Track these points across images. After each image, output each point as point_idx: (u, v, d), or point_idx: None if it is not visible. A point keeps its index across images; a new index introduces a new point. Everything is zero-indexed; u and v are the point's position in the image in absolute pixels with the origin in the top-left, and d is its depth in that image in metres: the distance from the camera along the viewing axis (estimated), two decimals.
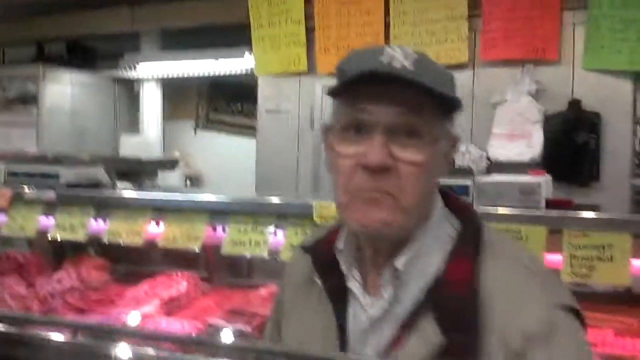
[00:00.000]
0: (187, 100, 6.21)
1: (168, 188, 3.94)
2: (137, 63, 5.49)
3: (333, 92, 1.08)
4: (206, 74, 5.36)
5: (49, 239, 2.86)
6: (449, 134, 1.11)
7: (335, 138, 1.08)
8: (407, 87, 1.00)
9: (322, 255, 1.18)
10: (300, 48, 4.25)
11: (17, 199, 2.91)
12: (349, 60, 1.08)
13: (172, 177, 5.25)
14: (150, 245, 2.68)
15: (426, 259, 1.09)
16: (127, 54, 5.63)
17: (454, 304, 1.02)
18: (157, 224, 2.65)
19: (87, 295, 2.66)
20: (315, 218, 2.30)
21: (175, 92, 6.18)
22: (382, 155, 1.01)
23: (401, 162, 1.02)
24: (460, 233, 1.11)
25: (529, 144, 3.51)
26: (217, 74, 5.20)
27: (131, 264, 3.16)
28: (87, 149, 5.55)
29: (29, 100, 5.47)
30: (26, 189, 2.91)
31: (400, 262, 1.08)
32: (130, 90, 6.16)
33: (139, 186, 3.51)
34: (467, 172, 2.45)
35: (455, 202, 1.17)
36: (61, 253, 3.22)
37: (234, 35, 4.87)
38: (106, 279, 2.85)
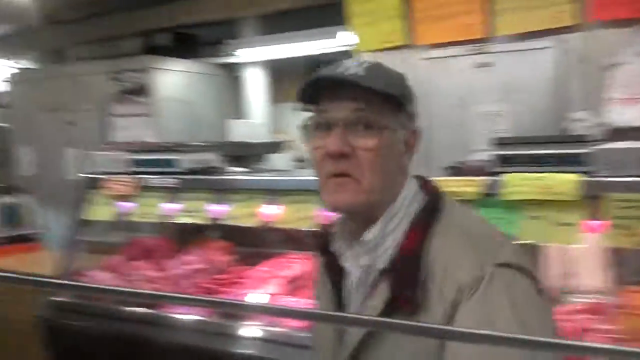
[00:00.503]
0: (291, 82, 6.30)
1: (279, 171, 4.04)
2: (238, 49, 5.62)
3: (300, 99, 1.33)
4: (307, 55, 5.41)
5: (173, 223, 3.02)
6: (405, 125, 1.32)
7: (309, 135, 1.32)
8: (356, 88, 1.24)
9: (323, 240, 1.43)
10: (399, 20, 4.19)
11: (142, 186, 3.07)
12: (314, 74, 1.32)
13: (279, 160, 5.36)
14: (267, 226, 2.78)
15: (395, 234, 1.30)
16: (227, 41, 5.77)
17: (402, 265, 1.25)
18: (269, 205, 2.73)
19: (213, 277, 2.80)
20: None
21: (279, 75, 6.28)
22: (339, 143, 1.25)
23: (358, 149, 1.26)
24: (421, 209, 1.32)
25: None
26: (317, 54, 5.23)
27: (249, 246, 3.28)
28: (199, 136, 5.78)
29: (142, 91, 5.74)
30: (149, 177, 3.07)
31: (368, 235, 1.31)
32: (234, 75, 6.32)
33: (249, 169, 3.62)
34: (584, 139, 2.36)
35: (426, 185, 1.38)
36: (185, 237, 3.39)
37: (333, 14, 4.89)
38: (230, 260, 2.98)
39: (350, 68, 1.28)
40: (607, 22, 3.53)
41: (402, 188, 1.34)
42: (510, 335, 0.62)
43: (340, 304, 1.37)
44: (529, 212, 2.18)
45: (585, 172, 2.16)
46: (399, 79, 1.34)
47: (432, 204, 1.32)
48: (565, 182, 2.13)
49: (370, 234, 1.31)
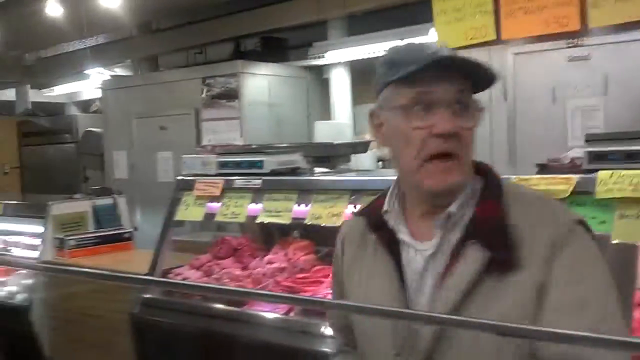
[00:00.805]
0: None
1: (362, 170, 4.03)
2: (326, 51, 5.66)
3: (396, 80, 1.31)
4: None
5: (258, 223, 3.07)
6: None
7: (403, 116, 1.32)
8: (457, 70, 1.29)
9: (373, 217, 1.45)
10: (486, 16, 4.09)
11: (228, 188, 3.14)
12: (399, 53, 1.35)
13: (364, 159, 5.35)
14: None
15: (467, 205, 1.35)
16: (315, 43, 5.83)
17: (491, 231, 1.30)
18: (355, 206, 2.72)
19: (295, 275, 2.82)
20: None
21: (363, 75, 6.28)
22: (452, 123, 1.28)
23: (461, 129, 1.30)
24: (485, 185, 1.38)
25: None
26: None
27: (331, 245, 3.28)
28: (285, 137, 5.86)
29: (232, 95, 5.89)
30: (235, 178, 3.14)
31: (453, 207, 1.34)
32: (320, 77, 6.38)
33: (334, 170, 3.63)
34: None
35: (479, 164, 1.43)
36: (269, 236, 3.44)
37: (417, 12, 4.83)
38: (311, 259, 3.00)
39: (440, 50, 1.32)
40: None
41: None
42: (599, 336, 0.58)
43: (401, 279, 1.38)
44: (623, 210, 2.06)
45: None
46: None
47: (494, 178, 1.40)
48: None
49: (454, 206, 1.34)
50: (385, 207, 1.42)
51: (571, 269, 1.25)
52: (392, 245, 1.40)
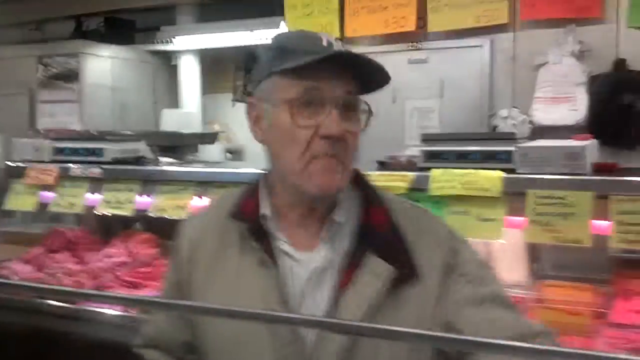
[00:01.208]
0: (225, 72, 6.22)
1: (209, 162, 3.98)
2: (174, 36, 5.51)
3: (284, 70, 1.20)
4: (243, 45, 5.35)
5: (97, 214, 2.93)
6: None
7: (287, 112, 1.20)
8: (350, 68, 1.20)
9: (250, 222, 1.30)
10: (332, 14, 4.19)
11: (64, 176, 2.97)
12: (290, 39, 1.25)
13: (212, 151, 5.28)
14: None
15: (351, 211, 1.30)
16: (164, 27, 5.65)
17: (386, 240, 1.25)
18: (200, 197, 2.68)
19: (136, 270, 2.73)
20: None
21: (213, 64, 6.19)
22: (340, 126, 1.19)
23: (347, 133, 1.21)
24: (363, 189, 1.33)
25: (573, 107, 3.43)
26: (253, 44, 5.18)
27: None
28: (129, 124, 5.63)
29: (71, 77, 5.56)
30: (72, 166, 2.97)
31: (338, 215, 1.28)
32: (168, 64, 6.20)
33: (181, 160, 3.55)
34: (509, 137, 2.40)
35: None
36: (109, 229, 3.30)
37: (269, 4, 4.84)
38: (154, 253, 2.91)
39: (332, 43, 1.22)
40: (538, 21, 3.62)
41: None
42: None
43: (282, 294, 1.23)
44: (454, 207, 2.21)
45: (509, 169, 2.20)
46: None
47: (371, 186, 1.35)
48: (489, 178, 2.17)
49: (339, 215, 1.28)
50: (262, 211, 1.29)
51: (470, 273, 1.26)
52: (267, 255, 1.26)
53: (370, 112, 1.26)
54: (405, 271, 1.22)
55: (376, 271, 1.22)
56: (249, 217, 1.30)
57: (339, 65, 1.19)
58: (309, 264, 1.26)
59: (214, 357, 1.30)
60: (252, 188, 1.36)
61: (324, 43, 1.21)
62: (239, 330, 1.25)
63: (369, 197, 1.32)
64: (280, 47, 1.23)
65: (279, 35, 1.29)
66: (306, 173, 1.21)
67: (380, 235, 1.26)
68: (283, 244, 1.28)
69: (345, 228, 1.28)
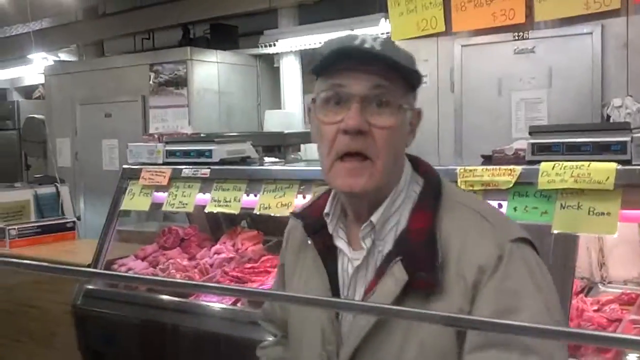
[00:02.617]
0: None
1: (311, 160, 4.03)
2: (277, 39, 5.62)
3: (313, 72, 1.27)
4: None
5: (206, 213, 3.03)
6: (413, 106, 1.28)
7: (318, 110, 1.25)
8: (376, 63, 1.20)
9: (311, 219, 1.37)
10: (436, 8, 4.14)
11: (176, 177, 3.09)
12: (328, 44, 1.26)
13: (314, 149, 5.34)
14: None
15: (398, 215, 1.28)
16: (266, 31, 5.78)
17: (417, 247, 1.21)
18: (304, 196, 2.71)
19: (243, 266, 2.80)
20: (459, 183, 2.26)
21: None
22: (358, 119, 1.19)
23: (375, 128, 1.20)
24: (422, 190, 1.30)
25: None
26: None
27: (281, 235, 3.27)
28: (235, 126, 5.81)
29: (180, 82, 5.80)
30: (183, 167, 3.09)
31: (375, 217, 1.26)
32: (271, 66, 6.34)
33: (284, 159, 3.61)
34: (623, 127, 2.27)
35: (421, 165, 1.36)
36: (217, 226, 3.41)
37: (369, 2, 4.84)
38: (260, 249, 2.98)
39: (365, 41, 1.22)
40: None
41: (403, 169, 1.31)
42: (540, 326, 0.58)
43: (335, 289, 1.31)
44: (564, 201, 2.12)
45: (624, 161, 2.08)
46: (412, 57, 1.28)
47: (433, 185, 1.31)
48: (602, 170, 2.06)
49: (376, 216, 1.26)
50: (326, 209, 1.33)
51: (496, 301, 1.14)
52: (329, 251, 1.33)
53: (402, 106, 1.23)
54: (422, 279, 1.17)
55: (395, 279, 1.20)
56: (309, 215, 1.38)
57: (363, 61, 1.20)
58: (356, 262, 1.29)
59: (290, 338, 1.45)
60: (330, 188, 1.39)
61: (357, 42, 1.21)
62: (301, 319, 1.38)
63: (422, 197, 1.29)
64: (319, 51, 1.26)
65: (326, 41, 1.32)
66: (332, 173, 1.24)
67: (413, 243, 1.22)
68: (340, 242, 1.32)
69: (392, 231, 1.27)
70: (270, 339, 1.64)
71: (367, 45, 1.20)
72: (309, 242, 1.35)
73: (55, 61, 7.64)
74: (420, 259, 1.20)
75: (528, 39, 3.82)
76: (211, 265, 2.84)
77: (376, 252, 1.27)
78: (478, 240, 1.20)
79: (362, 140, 1.20)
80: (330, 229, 1.32)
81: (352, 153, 1.21)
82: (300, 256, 1.41)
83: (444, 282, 1.17)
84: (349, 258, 1.30)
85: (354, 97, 1.20)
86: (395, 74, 1.21)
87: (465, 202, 1.30)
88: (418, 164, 1.35)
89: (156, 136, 3.41)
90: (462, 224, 1.23)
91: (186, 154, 3.17)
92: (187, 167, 3.07)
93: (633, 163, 2.06)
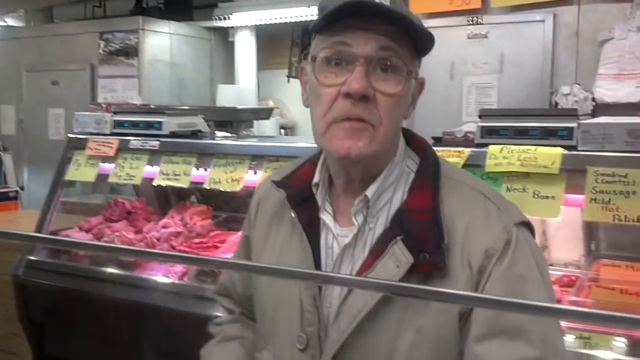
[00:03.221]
0: (281, 48, 6.23)
1: (264, 137, 4.01)
2: (232, 13, 5.54)
3: (316, 27, 1.15)
4: (298, 21, 5.34)
5: (154, 186, 2.99)
6: (417, 74, 1.19)
7: (317, 70, 1.14)
8: (386, 22, 1.09)
9: (295, 190, 1.26)
10: None
11: (123, 149, 3.03)
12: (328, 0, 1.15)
13: (267, 126, 5.32)
14: (249, 192, 2.75)
15: (393, 191, 1.20)
16: (221, 4, 5.69)
17: (420, 227, 1.13)
18: (255, 172, 2.70)
19: (191, 240, 2.78)
20: None
21: (269, 40, 6.21)
22: (363, 83, 1.08)
23: (379, 94, 1.10)
24: (419, 166, 1.22)
25: (638, 84, 3.30)
26: (308, 19, 5.17)
27: (231, 211, 3.26)
28: (186, 99, 5.72)
29: (131, 52, 5.66)
30: (131, 139, 3.03)
31: (370, 191, 1.18)
32: (225, 40, 6.25)
33: (236, 135, 3.58)
34: (571, 113, 2.32)
35: (415, 139, 1.27)
36: (166, 200, 3.36)
37: None
38: (208, 224, 2.95)
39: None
40: None
41: (398, 144, 1.22)
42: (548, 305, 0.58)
43: (318, 267, 1.20)
44: (511, 184, 2.16)
45: (570, 147, 2.13)
46: (419, 19, 1.16)
47: (431, 161, 1.22)
48: (548, 155, 2.11)
49: (372, 189, 1.18)
50: (315, 178, 1.24)
51: (504, 287, 1.09)
52: (312, 225, 1.23)
53: (410, 73, 1.13)
54: (430, 262, 1.10)
55: (399, 261, 1.11)
56: (292, 185, 1.27)
57: (371, 19, 1.09)
58: (343, 240, 1.20)
59: (259, 316, 1.34)
60: (318, 154, 1.30)
61: None
62: (274, 296, 1.27)
63: (420, 174, 1.20)
64: (321, 6, 1.15)
65: None
66: (328, 135, 1.14)
67: (415, 222, 1.14)
68: (326, 215, 1.23)
69: (385, 207, 1.19)
70: (222, 315, 1.53)
71: (378, 1, 1.09)
72: (293, 214, 1.24)
73: (1, 26, 7.36)
74: (423, 239, 1.11)
75: (482, 24, 3.87)
76: (158, 239, 2.80)
77: (367, 229, 1.19)
78: (484, 223, 1.13)
79: (364, 106, 1.10)
80: (319, 200, 1.23)
81: (352, 119, 1.11)
82: (273, 229, 1.31)
83: (449, 266, 1.10)
84: (334, 234, 1.21)
85: (360, 58, 1.09)
86: (405, 36, 1.11)
87: (466, 181, 1.22)
88: (411, 138, 1.27)
89: (104, 106, 3.33)
90: (466, 204, 1.16)
91: (135, 125, 3.10)
92: (136, 138, 3.01)
93: (579, 149, 2.11)
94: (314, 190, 1.24)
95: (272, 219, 1.32)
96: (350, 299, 1.14)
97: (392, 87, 1.11)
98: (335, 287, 1.18)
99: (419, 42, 1.14)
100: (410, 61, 1.14)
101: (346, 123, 1.11)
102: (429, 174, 1.19)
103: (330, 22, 1.11)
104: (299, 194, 1.26)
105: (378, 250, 1.15)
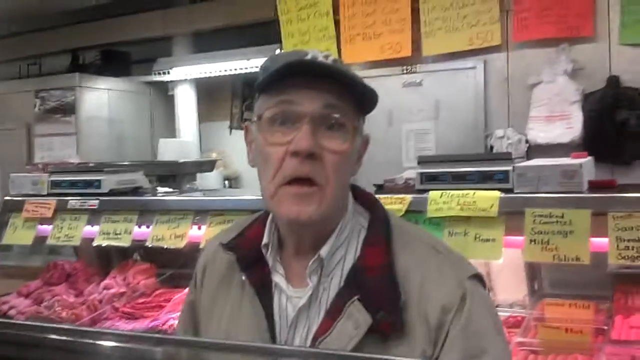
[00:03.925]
0: (221, 100, 6.25)
1: (208, 190, 3.97)
2: (171, 67, 5.55)
3: (260, 86, 1.14)
4: (239, 73, 5.39)
5: (95, 246, 2.91)
6: (362, 132, 1.19)
7: (263, 130, 1.13)
8: (330, 81, 1.10)
9: (245, 252, 1.23)
10: (329, 41, 4.22)
11: (62, 209, 2.96)
12: (274, 59, 1.16)
13: (210, 178, 5.28)
14: (194, 248, 2.71)
15: (345, 248, 1.17)
16: (160, 58, 5.70)
17: (376, 285, 1.11)
18: (199, 227, 2.67)
19: (135, 301, 2.70)
20: None
21: (209, 93, 6.23)
22: (310, 141, 1.08)
23: (326, 152, 1.10)
24: (370, 222, 1.20)
25: (569, 125, 3.43)
26: (249, 71, 5.22)
27: (176, 268, 3.19)
28: (127, 155, 5.65)
29: (68, 109, 5.58)
30: (70, 199, 2.96)
31: (324, 251, 1.15)
32: (165, 94, 6.23)
33: (179, 189, 3.55)
34: (506, 157, 2.40)
35: (363, 195, 1.26)
36: (107, 260, 3.28)
37: (264, 33, 4.88)
38: (152, 283, 2.89)
39: (317, 56, 1.12)
40: (530, 42, 3.64)
41: (347, 201, 1.21)
42: None
43: (271, 330, 1.17)
44: (452, 228, 2.20)
45: (507, 189, 2.19)
46: (361, 79, 1.17)
47: (381, 217, 1.20)
48: (486, 198, 2.16)
49: (325, 249, 1.15)
50: (265, 239, 1.21)
51: (464, 344, 1.07)
52: (264, 287, 1.19)
53: (355, 130, 1.14)
54: (385, 320, 1.08)
55: (358, 322, 1.09)
56: (242, 246, 1.24)
57: (316, 78, 1.10)
58: (298, 301, 1.16)
59: None
60: (266, 213, 1.26)
61: (308, 57, 1.12)
62: None
63: (371, 230, 1.18)
64: (264, 66, 1.16)
65: (270, 55, 1.22)
66: (276, 199, 1.12)
67: (371, 280, 1.12)
68: (279, 277, 1.19)
69: (339, 265, 1.16)
70: None
71: (321, 60, 1.11)
72: (243, 278, 1.20)
73: None
74: (380, 298, 1.09)
75: (416, 72, 3.98)
76: (100, 302, 2.72)
77: (321, 289, 1.16)
78: (438, 278, 1.12)
79: (312, 164, 1.09)
80: (269, 262, 1.20)
81: (301, 178, 1.09)
82: (221, 293, 1.26)
83: (406, 323, 1.08)
84: (288, 296, 1.18)
85: (306, 116, 1.09)
86: (348, 94, 1.12)
87: (417, 235, 1.22)
88: (357, 194, 1.25)
89: (40, 166, 3.26)
90: (419, 260, 1.15)
91: (73, 184, 3.05)
92: (74, 198, 2.95)
93: (515, 191, 2.18)
94: (264, 252, 1.21)
95: (220, 282, 1.27)
96: None
97: (339, 145, 1.11)
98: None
99: (363, 99, 1.14)
100: (355, 118, 1.14)
101: (294, 188, 1.10)
102: (381, 229, 1.18)
103: (274, 81, 1.11)
104: (248, 256, 1.22)
105: (335, 311, 1.12)
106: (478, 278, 1.16)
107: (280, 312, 1.18)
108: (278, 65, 1.09)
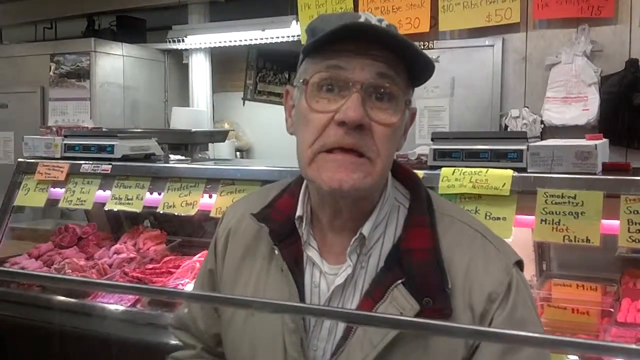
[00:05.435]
0: (236, 71, 6.23)
1: (219, 160, 3.98)
2: (186, 35, 5.52)
3: (309, 47, 1.06)
4: (254, 44, 5.35)
5: (106, 211, 2.93)
6: (411, 105, 1.12)
7: (307, 95, 1.06)
8: (384, 48, 1.02)
9: (277, 224, 1.17)
10: (349, 8, 4.18)
11: (74, 173, 2.97)
12: (325, 20, 1.08)
13: (222, 150, 5.29)
14: (204, 216, 2.72)
15: (384, 227, 1.12)
16: (175, 26, 5.67)
17: (421, 270, 1.05)
18: (210, 195, 2.68)
19: (144, 266, 2.73)
20: None
21: (224, 63, 6.20)
22: (360, 111, 1.00)
23: (375, 123, 1.03)
24: (412, 202, 1.14)
25: (585, 107, 3.40)
26: (264, 43, 5.19)
27: (185, 235, 3.22)
28: (140, 122, 5.65)
29: (83, 74, 5.58)
30: (83, 162, 2.98)
31: (366, 229, 1.09)
32: (179, 62, 6.21)
33: (191, 158, 3.56)
34: (520, 136, 2.38)
35: (403, 171, 1.19)
36: (118, 225, 3.30)
37: (280, 3, 4.84)
38: (162, 249, 2.91)
39: (371, 18, 1.05)
40: (550, 21, 3.59)
41: (388, 174, 1.14)
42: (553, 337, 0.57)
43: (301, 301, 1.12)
44: (463, 205, 2.19)
45: (520, 169, 2.18)
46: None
47: (422, 195, 1.14)
48: (499, 177, 2.15)
49: (367, 227, 1.09)
50: (299, 211, 1.16)
51: (512, 324, 1.05)
52: (296, 262, 1.14)
53: (407, 103, 1.07)
54: (431, 307, 1.03)
55: (403, 307, 1.04)
56: (279, 219, 1.17)
57: (368, 44, 1.01)
58: (334, 279, 1.11)
59: (231, 358, 1.24)
60: (296, 184, 1.21)
61: (361, 19, 1.03)
62: (252, 336, 1.17)
63: (414, 212, 1.12)
64: (312, 27, 1.09)
65: (319, 16, 1.14)
66: (315, 165, 1.05)
67: (415, 264, 1.06)
68: (312, 251, 1.14)
69: (377, 244, 1.11)
70: (182, 349, 1.41)
71: (377, 24, 1.03)
72: (276, 251, 1.15)
73: None
74: (426, 283, 1.05)
75: (433, 48, 3.94)
76: (110, 266, 2.75)
77: (358, 267, 1.10)
78: (484, 264, 1.08)
79: (358, 135, 1.02)
80: (304, 236, 1.15)
81: (345, 149, 1.03)
82: (245, 263, 1.22)
83: (452, 311, 1.04)
84: (322, 271, 1.13)
85: (356, 84, 1.01)
86: (402, 64, 1.05)
87: (460, 217, 1.16)
88: (396, 169, 1.18)
89: (54, 129, 3.27)
90: (464, 244, 1.10)
91: (86, 148, 3.06)
92: (87, 162, 2.96)
93: (528, 170, 2.17)
94: (297, 224, 1.16)
95: (245, 252, 1.23)
96: (348, 349, 1.06)
97: (389, 117, 1.04)
98: (322, 328, 1.10)
99: (416, 70, 1.07)
100: (407, 89, 1.08)
101: (338, 155, 1.03)
102: (425, 210, 1.12)
103: (324, 44, 1.03)
104: (281, 228, 1.16)
105: (375, 292, 1.07)
106: (521, 264, 1.13)
107: (312, 289, 1.13)
108: (334, 27, 1.00)
